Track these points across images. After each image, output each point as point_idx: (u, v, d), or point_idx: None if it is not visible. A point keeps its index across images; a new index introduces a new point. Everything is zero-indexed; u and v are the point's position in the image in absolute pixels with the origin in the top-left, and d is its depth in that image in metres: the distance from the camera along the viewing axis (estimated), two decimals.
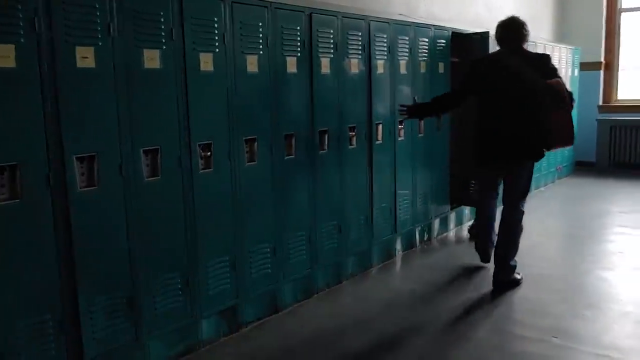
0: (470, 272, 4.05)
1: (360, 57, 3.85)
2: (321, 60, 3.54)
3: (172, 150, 2.74)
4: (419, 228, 4.67)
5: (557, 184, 7.34)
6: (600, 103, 8.26)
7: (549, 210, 5.90)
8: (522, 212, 3.75)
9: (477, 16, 6.18)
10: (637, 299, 3.45)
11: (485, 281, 3.85)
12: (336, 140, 3.71)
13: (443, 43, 4.76)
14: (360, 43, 3.84)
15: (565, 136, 3.58)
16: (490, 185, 4.01)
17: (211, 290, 2.98)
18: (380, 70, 4.04)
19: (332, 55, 3.61)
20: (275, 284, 3.35)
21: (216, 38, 2.90)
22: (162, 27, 2.65)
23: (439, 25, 4.76)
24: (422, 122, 4.56)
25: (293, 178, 3.41)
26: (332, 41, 3.61)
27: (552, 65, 3.65)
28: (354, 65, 3.81)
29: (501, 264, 3.70)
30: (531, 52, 3.85)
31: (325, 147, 3.63)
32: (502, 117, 3.59)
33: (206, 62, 2.87)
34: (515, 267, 3.75)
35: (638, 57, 8.43)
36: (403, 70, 4.28)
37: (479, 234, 4.29)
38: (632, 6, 8.13)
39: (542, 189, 6.94)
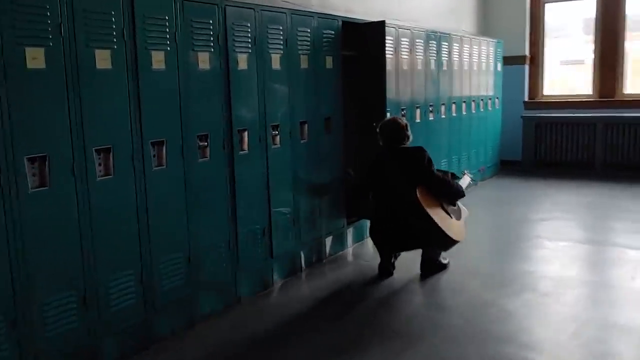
0: (358, 300, 3.43)
1: (212, 50, 3.15)
2: (152, 54, 2.82)
3: None
4: (305, 250, 4.01)
5: (480, 186, 6.82)
6: (526, 99, 7.84)
7: None
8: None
9: (386, 8, 5.57)
10: (538, 341, 2.88)
11: (371, 315, 3.23)
12: (178, 153, 2.99)
13: (331, 34, 4.11)
14: (212, 33, 3.14)
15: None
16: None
17: None
18: (242, 65, 3.35)
19: (168, 48, 2.89)
20: (90, 339, 2.62)
21: None
22: None
23: (325, 14, 4.12)
24: (306, 124, 3.91)
25: (112, 204, 2.68)
26: (167, 30, 2.89)
27: (422, 158, 3.72)
28: (204, 60, 3.11)
29: (428, 250, 3.83)
30: (407, 149, 3.83)
31: (163, 162, 2.92)
32: (387, 206, 3.77)
33: None
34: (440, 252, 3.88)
35: (564, 51, 8.07)
36: (276, 65, 3.61)
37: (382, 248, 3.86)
38: None
39: None
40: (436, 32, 5.59)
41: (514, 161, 7.74)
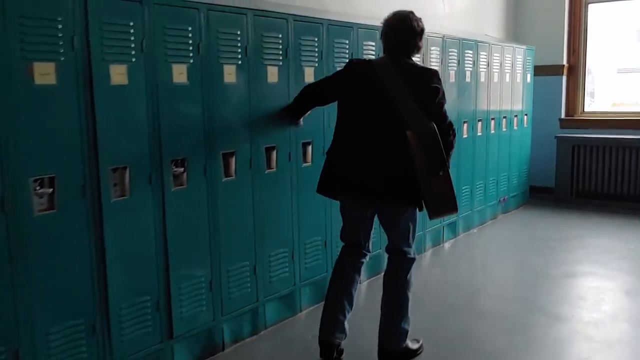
0: None
1: (62, 58, 2.22)
2: None
3: None
4: (231, 322, 3.03)
5: (499, 220, 5.71)
6: (563, 116, 6.64)
7: (459, 272, 4.26)
8: (412, 260, 2.84)
9: (381, 8, 4.55)
10: None
11: None
12: None
13: (277, 37, 3.14)
14: (60, 34, 2.21)
15: (444, 206, 2.73)
16: (355, 229, 2.86)
17: None
18: (118, 79, 2.42)
19: None
20: None
21: None
22: None
23: (272, 12, 3.13)
24: (234, 157, 2.95)
25: None
26: None
27: (437, 88, 2.67)
28: (46, 71, 2.18)
29: (387, 330, 2.79)
30: (417, 67, 2.78)
31: None
32: (365, 138, 2.70)
33: None
34: (407, 332, 2.81)
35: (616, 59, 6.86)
36: (180, 78, 2.66)
37: (325, 309, 2.89)
38: None
39: (474, 230, 5.31)
40: (440, 36, 4.54)
41: (546, 188, 6.55)
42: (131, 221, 2.52)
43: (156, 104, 2.57)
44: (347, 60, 2.99)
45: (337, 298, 2.83)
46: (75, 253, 2.34)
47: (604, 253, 4.59)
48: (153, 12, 2.51)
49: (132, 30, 2.44)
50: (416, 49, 2.73)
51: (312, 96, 2.99)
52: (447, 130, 2.70)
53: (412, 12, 2.73)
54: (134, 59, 2.46)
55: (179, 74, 2.65)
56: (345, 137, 2.75)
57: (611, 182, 6.12)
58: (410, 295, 2.80)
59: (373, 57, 3.65)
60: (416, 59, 2.87)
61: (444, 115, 2.70)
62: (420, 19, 2.73)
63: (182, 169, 2.71)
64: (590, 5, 6.50)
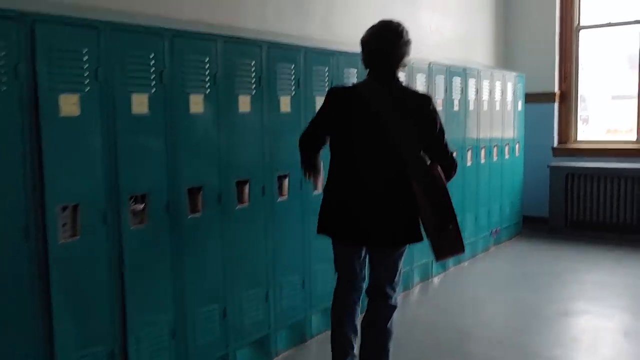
0: None
1: (4, 88, 2.04)
2: None
3: None
4: None
5: (491, 253, 5.50)
6: (555, 145, 6.48)
7: (447, 311, 4.01)
8: (393, 308, 2.61)
9: None
10: None
11: None
12: None
13: (248, 64, 2.97)
14: (4, 61, 2.03)
15: (451, 249, 2.56)
16: (350, 266, 2.65)
17: None
18: (69, 110, 2.23)
19: None
20: None
21: None
22: None
23: (241, 37, 2.96)
24: (200, 193, 2.75)
25: None
26: None
27: (434, 119, 2.48)
28: None
29: None
30: (408, 91, 2.56)
31: None
32: (358, 176, 2.48)
33: None
34: None
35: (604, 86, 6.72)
36: (140, 108, 2.48)
37: (334, 344, 2.68)
38: (593, 23, 6.40)
39: (464, 263, 5.10)
40: (426, 63, 4.40)
41: (540, 218, 6.34)
42: (82, 264, 2.30)
43: (113, 136, 2.38)
44: (328, 90, 2.69)
45: (343, 332, 2.64)
46: (18, 300, 2.13)
47: (600, 289, 4.38)
48: (110, 38, 2.33)
49: (85, 58, 2.26)
50: (400, 62, 2.46)
51: (309, 142, 2.65)
52: (451, 166, 2.54)
53: (391, 21, 2.48)
54: (87, 88, 2.28)
55: (139, 103, 2.47)
56: (338, 175, 2.54)
57: (606, 212, 5.93)
58: (391, 345, 2.58)
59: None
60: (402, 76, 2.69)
61: (445, 150, 2.52)
62: (402, 26, 2.47)
63: (142, 206, 2.50)
64: (581, 32, 6.39)
